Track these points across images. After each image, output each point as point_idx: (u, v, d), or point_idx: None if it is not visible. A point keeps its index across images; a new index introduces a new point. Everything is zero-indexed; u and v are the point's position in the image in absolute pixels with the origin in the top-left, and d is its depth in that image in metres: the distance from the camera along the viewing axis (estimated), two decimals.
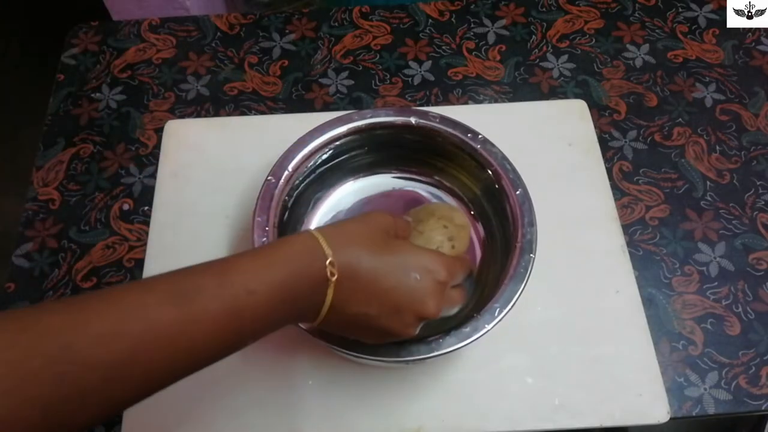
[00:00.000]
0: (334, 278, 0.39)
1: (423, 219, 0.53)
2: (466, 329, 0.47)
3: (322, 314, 0.40)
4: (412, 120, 0.57)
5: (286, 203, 0.55)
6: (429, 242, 0.52)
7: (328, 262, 0.38)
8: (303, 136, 0.56)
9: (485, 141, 0.56)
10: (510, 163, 0.55)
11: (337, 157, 0.60)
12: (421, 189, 0.62)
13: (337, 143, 0.58)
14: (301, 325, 0.46)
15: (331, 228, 0.41)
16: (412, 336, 0.44)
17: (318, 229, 0.41)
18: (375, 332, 0.43)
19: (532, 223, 0.52)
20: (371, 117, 0.57)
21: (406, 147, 0.60)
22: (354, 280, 0.40)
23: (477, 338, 0.47)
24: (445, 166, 0.60)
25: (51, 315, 0.30)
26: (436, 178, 0.62)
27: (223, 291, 0.35)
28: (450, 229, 0.53)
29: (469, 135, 0.56)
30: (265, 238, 0.51)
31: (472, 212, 0.60)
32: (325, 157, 0.58)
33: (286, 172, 0.55)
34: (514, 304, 0.48)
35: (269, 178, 0.54)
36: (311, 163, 0.57)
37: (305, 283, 0.38)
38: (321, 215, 0.60)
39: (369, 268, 0.40)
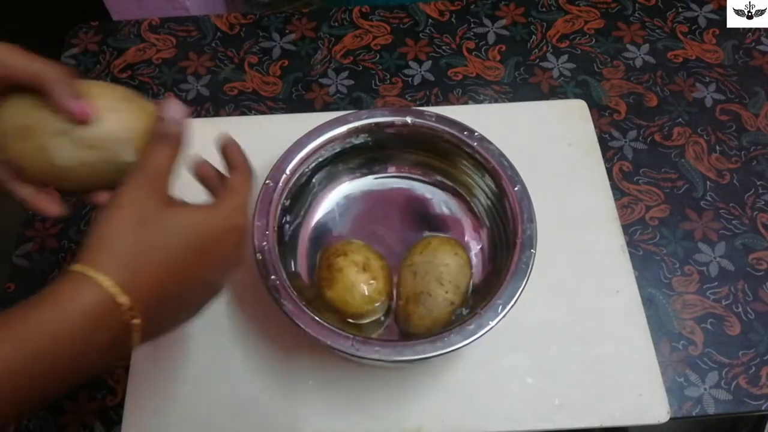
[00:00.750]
0: (136, 322, 0.32)
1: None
2: (470, 327, 0.47)
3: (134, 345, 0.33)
4: (408, 119, 0.57)
5: (285, 206, 0.55)
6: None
7: (124, 311, 0.32)
8: (300, 139, 0.56)
9: (482, 138, 0.56)
10: (507, 160, 0.55)
11: (335, 159, 0.60)
12: (420, 188, 0.62)
13: (335, 144, 0.58)
14: (284, 305, 0.46)
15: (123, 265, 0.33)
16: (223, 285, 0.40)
17: (95, 271, 0.32)
18: (196, 305, 0.38)
19: (531, 219, 0.52)
20: (367, 118, 0.57)
21: (403, 146, 0.60)
22: (160, 305, 0.34)
23: (481, 335, 0.47)
24: (443, 165, 0.60)
25: None
26: (435, 177, 0.62)
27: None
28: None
29: (465, 133, 0.56)
30: (265, 242, 0.51)
31: (471, 210, 0.60)
32: (322, 158, 0.58)
33: (284, 175, 0.55)
34: (516, 300, 0.48)
35: (267, 181, 0.54)
36: (309, 165, 0.57)
37: (103, 334, 0.32)
38: (319, 215, 0.60)
39: (173, 284, 0.35)
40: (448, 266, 0.52)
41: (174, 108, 0.38)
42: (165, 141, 0.37)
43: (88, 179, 0.40)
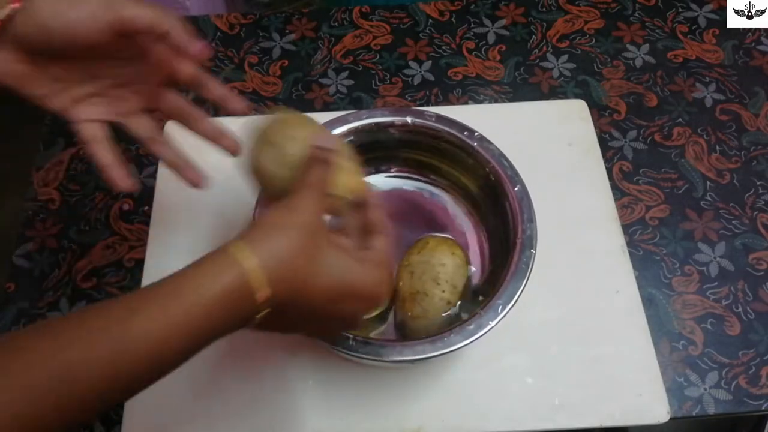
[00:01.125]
0: (261, 313, 0.35)
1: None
2: (470, 327, 0.47)
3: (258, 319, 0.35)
4: (408, 119, 0.57)
5: None
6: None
7: (259, 300, 0.34)
8: None
9: (482, 138, 0.56)
10: (507, 160, 0.55)
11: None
12: (420, 188, 0.62)
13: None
14: None
15: (265, 255, 0.35)
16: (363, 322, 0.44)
17: (250, 251, 0.35)
18: (326, 328, 0.43)
19: (531, 219, 0.52)
20: (367, 117, 0.57)
21: (403, 146, 0.60)
22: (287, 307, 0.36)
23: (481, 335, 0.47)
24: (443, 165, 0.60)
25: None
26: (434, 177, 0.62)
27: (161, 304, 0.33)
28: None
29: (465, 133, 0.56)
30: None
31: (471, 210, 0.60)
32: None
33: None
34: (516, 300, 0.48)
35: None
36: None
37: (237, 316, 0.34)
38: None
39: (304, 296, 0.36)
40: (445, 266, 0.52)
41: (327, 139, 0.43)
42: (322, 165, 0.41)
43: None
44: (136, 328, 0.32)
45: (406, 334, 0.53)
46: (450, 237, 0.57)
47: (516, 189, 0.53)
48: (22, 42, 0.38)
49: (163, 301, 0.33)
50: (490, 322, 0.47)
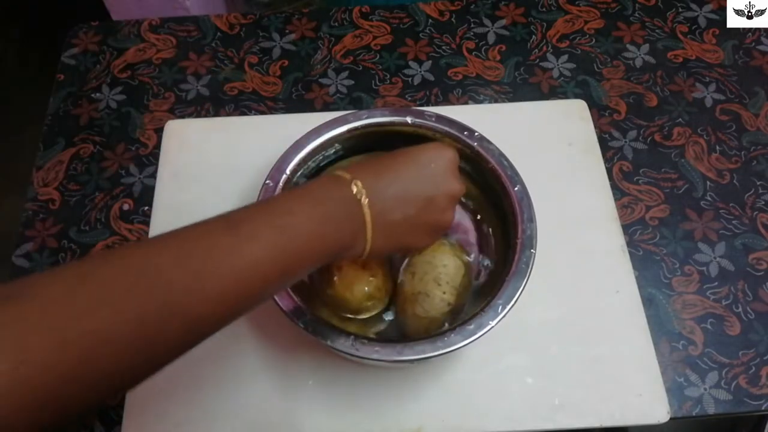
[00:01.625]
0: (363, 196, 0.42)
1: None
2: (470, 326, 0.47)
3: (368, 234, 0.42)
4: (408, 119, 0.57)
5: None
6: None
7: (350, 181, 0.42)
8: (299, 139, 0.56)
9: (482, 138, 0.56)
10: (507, 160, 0.55)
11: (335, 158, 0.60)
12: None
13: (335, 144, 0.58)
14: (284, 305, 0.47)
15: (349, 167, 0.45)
16: (451, 220, 0.48)
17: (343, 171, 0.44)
18: (425, 230, 0.47)
19: (531, 219, 0.52)
20: (367, 118, 0.57)
21: (403, 146, 0.60)
22: (385, 192, 0.43)
23: (481, 335, 0.47)
24: None
25: (135, 246, 0.36)
26: None
27: (265, 215, 0.38)
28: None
29: (465, 133, 0.56)
30: None
31: (471, 210, 0.60)
32: (321, 158, 0.58)
33: (284, 176, 0.55)
34: (516, 300, 0.48)
35: (267, 181, 0.54)
36: (309, 165, 0.57)
37: (337, 205, 0.41)
38: None
39: (392, 178, 0.44)
40: (447, 267, 0.52)
41: None
42: None
43: None
44: (248, 257, 0.36)
45: (406, 333, 0.53)
46: (451, 239, 0.57)
47: (516, 189, 0.53)
48: None
49: (277, 221, 0.38)
50: (490, 322, 0.47)
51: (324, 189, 0.42)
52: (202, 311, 0.34)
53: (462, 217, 0.60)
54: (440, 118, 0.57)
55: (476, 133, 0.56)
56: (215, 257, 0.35)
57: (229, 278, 0.35)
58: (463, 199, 0.61)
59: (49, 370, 0.28)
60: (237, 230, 0.37)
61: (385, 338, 0.53)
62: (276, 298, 0.48)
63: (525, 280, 0.49)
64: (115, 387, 0.33)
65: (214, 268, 0.34)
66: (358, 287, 0.51)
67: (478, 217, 0.60)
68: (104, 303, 0.30)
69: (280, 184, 0.54)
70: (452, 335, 0.47)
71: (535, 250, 0.50)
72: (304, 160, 0.56)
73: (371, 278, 0.52)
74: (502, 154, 0.55)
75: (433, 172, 0.46)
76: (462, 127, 0.56)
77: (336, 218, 0.41)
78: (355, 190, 0.42)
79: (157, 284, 0.32)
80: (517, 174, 0.54)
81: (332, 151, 0.58)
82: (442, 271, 0.52)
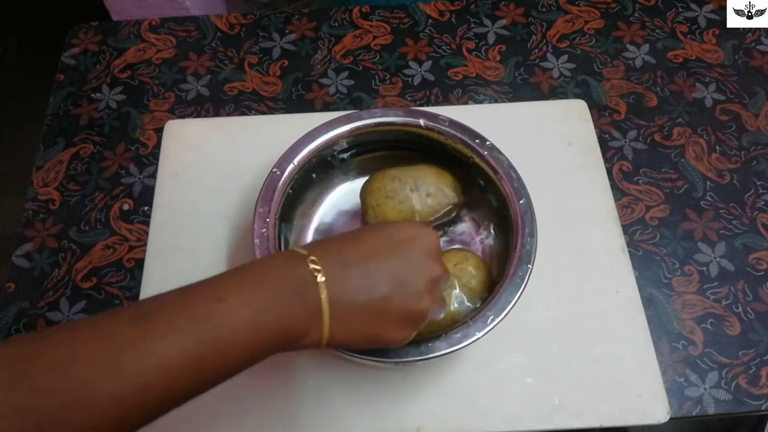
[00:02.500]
0: (320, 275, 0.35)
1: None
2: (457, 335, 0.47)
3: (325, 319, 0.36)
4: (421, 122, 0.57)
5: (290, 196, 0.55)
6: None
7: (307, 257, 0.36)
8: (311, 131, 0.56)
9: (492, 148, 0.55)
10: (516, 172, 0.54)
11: (344, 155, 0.59)
12: None
13: (344, 141, 0.57)
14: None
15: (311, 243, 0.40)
16: (432, 309, 0.41)
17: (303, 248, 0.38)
18: (396, 318, 0.39)
19: (532, 234, 0.51)
20: (380, 116, 0.57)
21: (412, 149, 0.60)
22: (345, 270, 0.37)
23: (467, 345, 0.47)
24: (451, 170, 0.60)
25: (14, 345, 0.29)
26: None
27: (188, 300, 0.33)
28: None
29: (477, 141, 0.56)
30: (265, 229, 0.51)
31: (473, 218, 0.60)
32: (331, 153, 0.58)
33: (291, 165, 0.55)
34: (506, 314, 0.48)
35: (274, 170, 0.54)
36: (317, 158, 0.57)
37: (287, 285, 0.35)
38: (323, 212, 0.60)
39: (357, 256, 0.38)
40: (466, 287, 0.52)
41: None
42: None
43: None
44: (227, 316, 0.32)
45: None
46: (485, 260, 0.56)
47: (521, 202, 0.53)
48: None
49: (241, 290, 0.34)
50: (477, 333, 0.47)
51: (270, 268, 0.36)
52: (91, 424, 0.29)
53: (465, 221, 0.60)
54: (453, 124, 0.56)
55: (488, 142, 0.56)
56: (109, 359, 0.29)
57: (126, 385, 0.29)
58: (468, 202, 0.60)
59: None
60: (144, 322, 0.31)
61: None
62: None
63: (518, 294, 0.49)
64: None
65: (106, 374, 0.29)
66: None
67: (480, 225, 0.60)
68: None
69: (286, 173, 0.54)
70: (437, 342, 0.47)
71: (533, 265, 0.50)
72: (313, 154, 0.56)
73: None
74: (511, 166, 0.55)
75: (409, 252, 0.39)
76: (474, 135, 0.56)
77: (283, 303, 0.34)
78: (310, 267, 0.36)
79: (32, 399, 0.27)
80: (523, 187, 0.54)
81: (340, 147, 0.58)
82: (462, 289, 0.52)
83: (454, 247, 0.58)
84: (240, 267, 0.36)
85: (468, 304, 0.52)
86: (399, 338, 0.40)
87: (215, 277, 0.34)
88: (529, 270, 0.50)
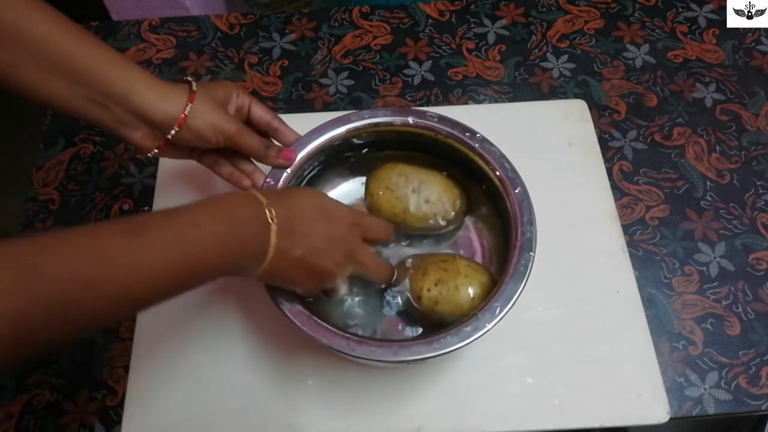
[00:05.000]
0: (273, 223, 0.43)
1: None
2: (467, 328, 0.47)
3: (268, 257, 0.43)
4: (410, 120, 0.57)
5: None
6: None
7: (265, 206, 0.43)
8: (301, 138, 0.56)
9: (483, 140, 0.56)
10: (508, 162, 0.55)
11: (336, 157, 0.59)
12: None
13: (336, 144, 0.57)
14: (282, 304, 0.48)
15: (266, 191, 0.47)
16: (341, 275, 0.48)
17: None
18: (313, 273, 0.47)
19: (531, 222, 0.52)
20: (369, 117, 0.57)
21: (405, 146, 0.60)
22: (292, 225, 0.44)
23: (478, 337, 0.47)
24: (445, 165, 0.60)
25: (23, 242, 0.34)
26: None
27: (171, 223, 0.39)
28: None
29: (467, 134, 0.56)
30: None
31: (472, 212, 0.60)
32: (323, 157, 0.58)
33: (285, 174, 0.55)
34: (514, 302, 0.48)
35: (268, 180, 0.54)
36: (310, 162, 0.57)
37: (248, 226, 0.42)
38: None
39: (302, 215, 0.46)
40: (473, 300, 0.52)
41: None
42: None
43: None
44: (140, 257, 0.37)
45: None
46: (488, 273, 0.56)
47: (516, 191, 0.53)
48: (174, 138, 0.49)
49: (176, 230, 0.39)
50: (487, 324, 0.47)
51: (237, 207, 0.43)
52: (89, 314, 0.35)
53: (463, 218, 0.60)
54: (442, 119, 0.57)
55: (478, 135, 0.56)
56: (108, 261, 0.35)
57: (121, 284, 0.35)
58: (465, 197, 0.61)
59: None
60: (137, 236, 0.37)
61: (381, 339, 0.53)
62: (274, 297, 0.48)
63: (523, 282, 0.49)
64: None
65: (105, 273, 0.35)
66: None
67: (478, 219, 0.60)
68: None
69: (281, 183, 0.54)
70: (449, 337, 0.47)
71: (534, 253, 0.50)
72: (305, 160, 0.56)
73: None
74: (503, 156, 0.55)
75: (340, 227, 0.47)
76: (464, 129, 0.56)
77: (242, 237, 0.42)
78: (268, 215, 0.43)
79: (36, 287, 0.32)
80: (518, 176, 0.54)
81: (333, 150, 0.58)
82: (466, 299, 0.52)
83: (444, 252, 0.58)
84: (214, 200, 0.43)
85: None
86: (308, 288, 0.48)
87: (194, 205, 0.41)
88: (532, 258, 0.50)
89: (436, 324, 0.51)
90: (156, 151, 0.51)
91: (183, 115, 0.48)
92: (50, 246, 0.34)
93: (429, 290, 0.51)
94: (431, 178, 0.57)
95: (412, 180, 0.56)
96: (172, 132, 0.49)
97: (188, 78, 0.50)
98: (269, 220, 0.43)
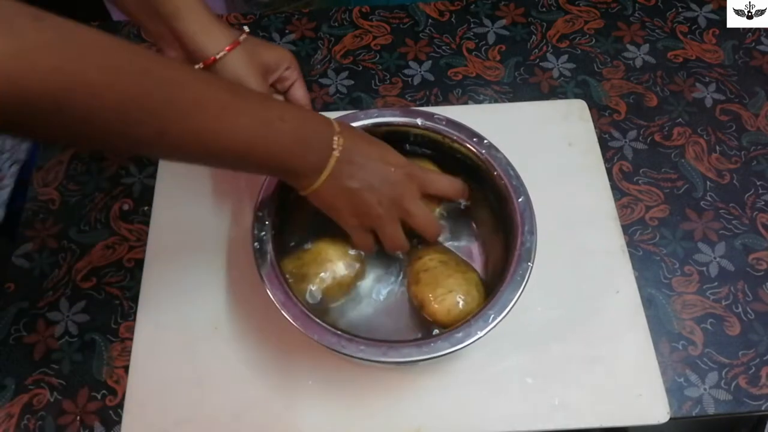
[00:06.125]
0: (337, 150, 0.46)
1: None
2: (459, 334, 0.47)
3: (321, 178, 0.46)
4: (418, 121, 0.57)
5: (288, 199, 0.55)
6: None
7: (336, 133, 0.46)
8: None
9: (490, 146, 0.55)
10: (514, 170, 0.54)
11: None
12: None
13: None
14: (277, 298, 0.49)
15: (347, 126, 0.49)
16: (385, 218, 0.50)
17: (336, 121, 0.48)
18: (358, 207, 0.48)
19: (532, 232, 0.51)
20: (377, 116, 0.57)
21: (409, 148, 0.60)
22: (351, 157, 0.47)
23: (468, 344, 0.47)
24: (449, 169, 0.60)
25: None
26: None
27: (268, 106, 0.44)
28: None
29: (474, 139, 0.56)
30: (264, 233, 0.51)
31: (474, 216, 0.60)
32: None
33: None
34: (508, 312, 0.48)
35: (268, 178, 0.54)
36: None
37: (317, 142, 0.45)
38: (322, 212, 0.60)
39: (364, 152, 0.48)
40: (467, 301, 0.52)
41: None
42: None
43: None
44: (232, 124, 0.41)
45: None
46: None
47: (520, 200, 0.53)
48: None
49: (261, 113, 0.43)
50: (479, 332, 0.47)
51: (312, 121, 0.46)
52: (169, 131, 0.38)
53: (463, 222, 0.60)
54: (450, 123, 0.56)
55: (485, 141, 0.56)
56: (204, 105, 0.39)
57: (205, 126, 0.39)
58: (463, 203, 0.60)
59: (33, 73, 0.31)
60: (239, 96, 0.42)
61: (372, 338, 0.52)
62: (271, 292, 0.49)
63: (519, 292, 0.49)
64: (75, 136, 0.36)
65: (198, 112, 0.39)
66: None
67: (479, 224, 0.60)
68: (107, 60, 0.35)
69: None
70: (439, 341, 0.47)
71: (533, 263, 0.50)
72: None
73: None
74: (509, 164, 0.55)
75: (396, 174, 0.49)
76: (472, 134, 0.56)
77: (308, 148, 0.45)
78: (334, 143, 0.46)
79: (152, 84, 0.36)
80: (522, 185, 0.54)
81: None
82: (461, 298, 0.52)
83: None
84: (294, 107, 0.49)
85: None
86: (350, 225, 0.50)
87: (283, 103, 0.48)
88: (530, 268, 0.50)
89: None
90: None
91: (213, 58, 0.50)
92: (167, 68, 0.39)
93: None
94: (425, 165, 0.56)
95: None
96: (197, 66, 0.50)
97: (245, 28, 0.52)
98: (333, 146, 0.46)
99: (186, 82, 0.39)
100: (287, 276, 0.51)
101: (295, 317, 0.48)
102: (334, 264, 0.53)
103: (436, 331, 0.51)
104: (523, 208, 0.52)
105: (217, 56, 0.49)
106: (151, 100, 0.37)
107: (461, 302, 0.50)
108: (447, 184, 0.53)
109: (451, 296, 0.51)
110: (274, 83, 0.55)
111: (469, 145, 0.56)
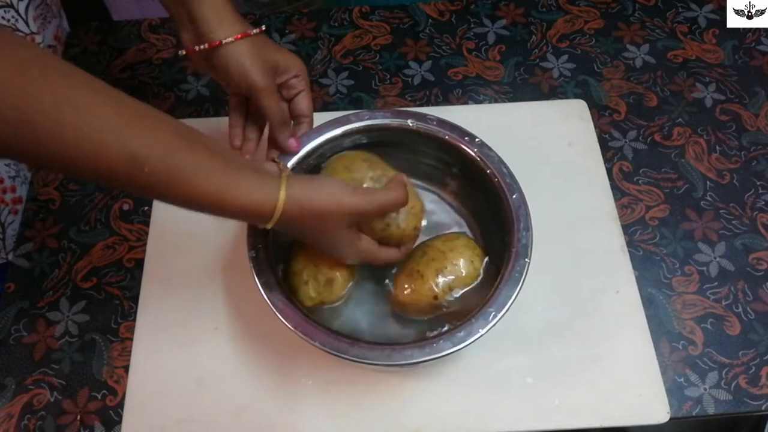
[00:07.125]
0: (279, 211, 0.44)
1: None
2: (460, 333, 0.47)
3: (272, 223, 0.45)
4: (409, 122, 0.57)
5: None
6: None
7: (281, 200, 0.44)
8: (309, 133, 0.56)
9: (482, 144, 0.55)
10: (507, 167, 0.54)
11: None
12: (420, 193, 0.61)
13: (333, 146, 0.57)
14: (277, 306, 0.49)
15: (302, 182, 0.46)
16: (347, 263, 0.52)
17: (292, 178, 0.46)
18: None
19: (527, 228, 0.51)
20: (368, 119, 0.57)
21: (402, 149, 0.60)
22: (294, 225, 0.46)
23: (470, 343, 0.47)
24: (442, 169, 0.60)
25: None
26: (433, 180, 0.61)
27: (225, 170, 0.43)
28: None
29: (466, 138, 0.56)
30: (260, 243, 0.51)
31: (470, 215, 0.60)
32: (322, 159, 0.58)
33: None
34: (508, 308, 0.48)
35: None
36: (307, 164, 0.57)
37: (264, 206, 0.44)
38: None
39: (308, 225, 0.46)
40: (456, 267, 0.52)
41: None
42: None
43: None
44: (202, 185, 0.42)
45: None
46: (482, 246, 0.56)
47: (514, 197, 0.53)
48: (203, 54, 0.53)
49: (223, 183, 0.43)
50: (480, 330, 0.47)
51: (261, 186, 0.44)
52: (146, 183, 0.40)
53: (460, 222, 0.60)
54: (442, 123, 0.56)
55: (477, 139, 0.56)
56: (140, 123, 0.44)
57: (179, 190, 0.41)
58: (461, 202, 0.60)
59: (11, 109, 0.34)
60: (194, 147, 0.43)
61: (374, 342, 0.52)
62: (270, 300, 0.49)
63: (517, 289, 0.49)
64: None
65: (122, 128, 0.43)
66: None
67: (475, 223, 0.60)
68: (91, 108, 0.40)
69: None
70: (441, 341, 0.47)
71: (530, 259, 0.50)
72: (302, 160, 0.56)
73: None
74: (501, 161, 0.55)
75: (355, 254, 0.50)
76: (463, 133, 0.56)
77: (259, 212, 0.44)
78: (279, 202, 0.44)
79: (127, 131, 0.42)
80: (515, 182, 0.54)
81: (328, 153, 0.58)
82: (449, 268, 0.52)
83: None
84: (254, 170, 0.45)
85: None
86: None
87: (241, 166, 0.45)
88: (527, 264, 0.50)
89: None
90: (183, 52, 0.53)
91: (219, 42, 0.50)
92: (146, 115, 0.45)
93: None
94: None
95: (375, 170, 0.53)
96: (201, 47, 0.51)
97: (263, 26, 0.53)
98: (277, 206, 0.44)
99: (178, 150, 0.42)
100: (288, 273, 0.51)
101: (296, 324, 0.48)
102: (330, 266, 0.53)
103: (436, 332, 0.51)
104: (518, 205, 0.52)
105: (224, 41, 0.50)
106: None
107: (409, 288, 0.53)
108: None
109: (401, 278, 0.54)
110: (281, 89, 0.55)
111: (461, 145, 0.56)
